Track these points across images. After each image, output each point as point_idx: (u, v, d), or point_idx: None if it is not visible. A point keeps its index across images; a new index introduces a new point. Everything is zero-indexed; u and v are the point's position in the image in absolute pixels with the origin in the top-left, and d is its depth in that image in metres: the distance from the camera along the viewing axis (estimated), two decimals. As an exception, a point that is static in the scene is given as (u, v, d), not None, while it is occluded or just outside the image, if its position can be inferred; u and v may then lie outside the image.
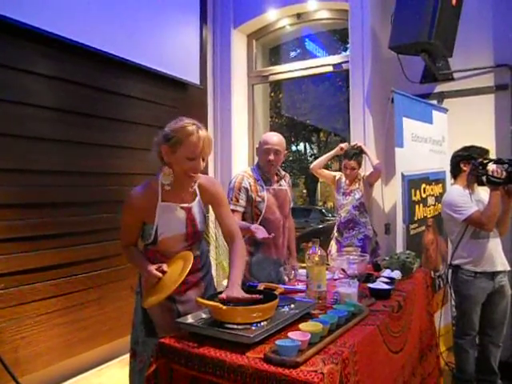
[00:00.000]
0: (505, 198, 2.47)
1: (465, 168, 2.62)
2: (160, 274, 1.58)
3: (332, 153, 3.51)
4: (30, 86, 2.67)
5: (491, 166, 2.39)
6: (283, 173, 2.64)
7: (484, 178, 2.40)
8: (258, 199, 2.39)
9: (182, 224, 1.72)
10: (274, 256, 2.44)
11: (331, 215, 10.76)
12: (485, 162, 2.43)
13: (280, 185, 2.55)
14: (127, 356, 3.36)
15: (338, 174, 3.51)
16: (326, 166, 3.59)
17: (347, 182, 3.40)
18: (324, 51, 5.43)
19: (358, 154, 3.33)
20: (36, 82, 2.70)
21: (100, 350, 3.07)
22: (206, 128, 1.72)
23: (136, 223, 1.72)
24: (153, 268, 1.60)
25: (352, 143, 3.46)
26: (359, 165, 3.34)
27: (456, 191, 2.65)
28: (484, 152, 2.61)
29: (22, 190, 2.63)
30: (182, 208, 1.72)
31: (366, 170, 3.41)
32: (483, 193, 2.55)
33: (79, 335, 2.91)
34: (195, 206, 1.77)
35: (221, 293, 1.56)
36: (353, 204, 3.30)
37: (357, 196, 3.31)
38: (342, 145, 3.45)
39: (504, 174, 2.33)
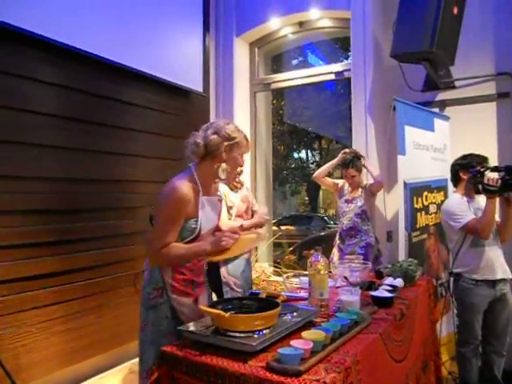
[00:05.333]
0: (504, 205, 2.47)
1: (464, 176, 2.62)
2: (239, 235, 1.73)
3: (335, 161, 3.45)
4: (33, 93, 2.68)
5: (488, 174, 2.38)
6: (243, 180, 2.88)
7: (480, 187, 2.40)
8: (230, 204, 2.68)
9: (216, 216, 1.87)
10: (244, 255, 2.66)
11: (333, 222, 10.73)
12: (482, 170, 2.43)
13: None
14: (127, 364, 3.36)
15: (340, 182, 3.50)
16: (329, 174, 3.58)
17: (349, 189, 3.40)
18: (326, 59, 5.45)
19: (353, 160, 3.31)
20: (39, 89, 2.71)
21: (100, 357, 3.05)
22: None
23: (182, 218, 1.72)
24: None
25: (346, 150, 3.42)
26: (359, 171, 3.32)
27: (454, 199, 2.65)
28: (482, 160, 2.60)
29: (23, 196, 2.62)
30: (219, 200, 1.90)
31: (368, 176, 3.40)
32: (483, 201, 2.55)
33: (79, 343, 2.90)
34: None
35: (222, 301, 1.59)
36: (355, 211, 3.29)
37: (359, 203, 3.30)
38: (345, 150, 3.43)
39: (499, 182, 2.33)
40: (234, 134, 1.78)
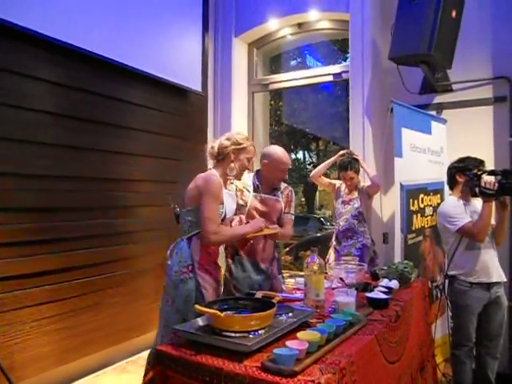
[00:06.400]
0: (499, 209, 2.47)
1: (460, 179, 2.63)
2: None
3: (331, 160, 3.50)
4: (32, 91, 2.67)
5: (484, 178, 2.39)
6: (282, 186, 2.57)
7: (477, 190, 2.41)
8: (241, 202, 2.46)
9: (234, 206, 2.22)
10: (252, 258, 2.43)
11: (329, 224, 10.74)
12: (479, 173, 2.43)
13: (274, 194, 2.51)
14: (123, 363, 3.35)
15: (338, 183, 3.51)
16: (325, 175, 3.59)
17: (346, 190, 3.41)
18: (324, 61, 5.47)
19: (352, 162, 3.33)
20: (38, 87, 2.71)
21: (95, 356, 3.05)
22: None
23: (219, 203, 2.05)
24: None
25: (343, 151, 3.44)
26: (357, 173, 3.35)
27: (450, 202, 2.66)
28: (479, 163, 2.61)
29: (18, 194, 2.61)
30: (235, 194, 2.36)
31: (365, 178, 3.42)
32: (479, 204, 2.55)
33: (74, 341, 2.89)
34: None
35: (218, 301, 1.59)
36: (352, 213, 3.31)
37: (356, 205, 3.31)
38: (343, 151, 3.45)
39: (496, 185, 2.34)
40: (242, 140, 2.17)
